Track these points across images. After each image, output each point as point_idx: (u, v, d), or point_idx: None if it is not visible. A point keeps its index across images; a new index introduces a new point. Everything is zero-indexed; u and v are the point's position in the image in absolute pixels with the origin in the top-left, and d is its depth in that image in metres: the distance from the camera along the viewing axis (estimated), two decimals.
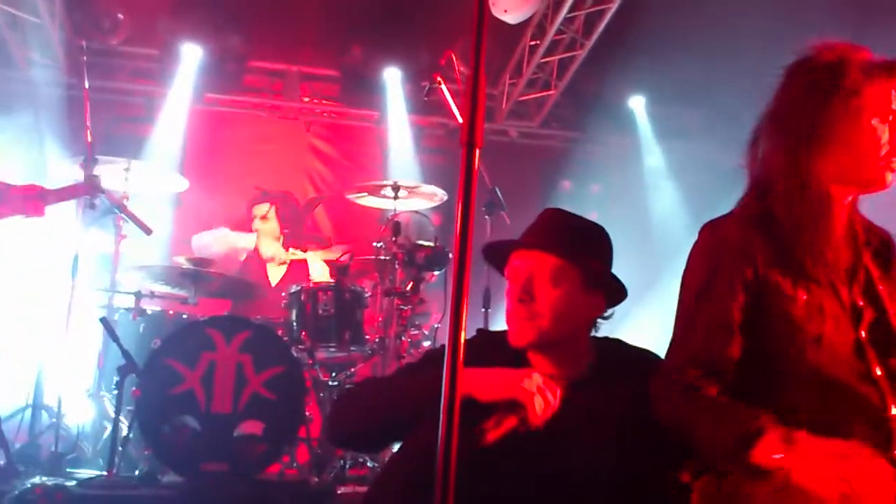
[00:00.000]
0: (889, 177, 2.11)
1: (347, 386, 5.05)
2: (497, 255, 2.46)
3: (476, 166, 1.50)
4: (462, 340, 1.48)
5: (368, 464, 4.63)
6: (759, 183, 2.18)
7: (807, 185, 2.08)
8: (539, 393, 2.14)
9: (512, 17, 6.91)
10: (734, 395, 2.05)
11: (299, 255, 6.11)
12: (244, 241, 6.15)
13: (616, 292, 2.40)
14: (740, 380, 2.08)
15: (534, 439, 2.28)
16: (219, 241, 6.01)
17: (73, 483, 3.94)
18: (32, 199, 3.61)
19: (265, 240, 6.20)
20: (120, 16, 7.12)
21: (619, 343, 2.51)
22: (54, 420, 4.52)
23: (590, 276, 2.35)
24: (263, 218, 6.17)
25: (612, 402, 2.32)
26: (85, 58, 4.82)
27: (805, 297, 2.05)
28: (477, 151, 1.50)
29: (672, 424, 2.08)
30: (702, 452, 2.04)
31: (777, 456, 1.84)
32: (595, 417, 2.32)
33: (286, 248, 6.19)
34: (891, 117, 2.09)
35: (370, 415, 2.36)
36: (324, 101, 8.31)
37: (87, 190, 3.84)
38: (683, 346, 2.14)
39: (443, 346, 2.52)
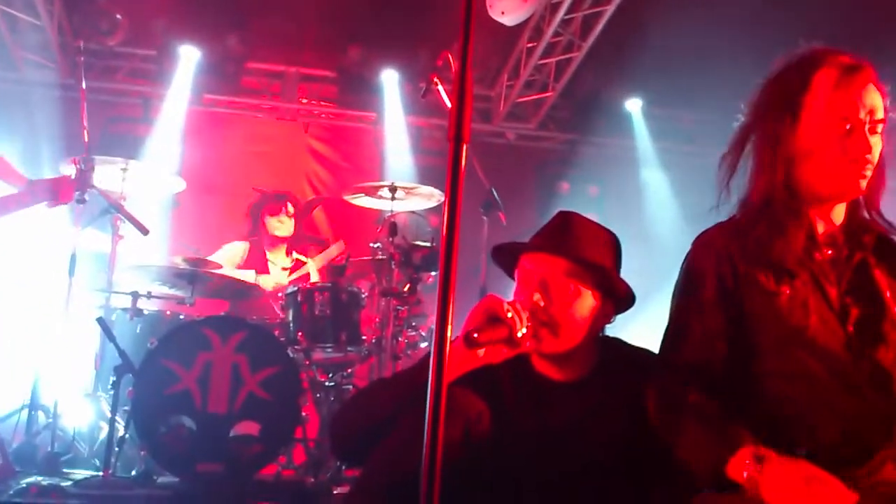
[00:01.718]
0: (863, 183, 2.09)
1: (345, 390, 5.04)
2: (506, 255, 2.44)
3: (463, 162, 1.50)
4: (449, 334, 1.48)
5: None
6: (748, 188, 2.20)
7: (775, 197, 2.11)
8: (511, 307, 2.18)
9: (509, 19, 6.92)
10: (722, 392, 2.08)
11: (300, 271, 6.11)
12: (244, 246, 6.16)
13: (626, 300, 2.41)
14: (727, 376, 2.12)
15: (538, 437, 2.30)
16: (228, 256, 6.00)
17: (69, 483, 3.94)
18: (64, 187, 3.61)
19: (273, 252, 6.19)
20: (118, 17, 7.13)
21: (619, 342, 2.51)
22: (51, 420, 4.52)
23: (605, 285, 2.35)
24: (290, 215, 6.16)
25: (613, 400, 2.33)
26: (82, 58, 4.83)
27: (788, 291, 2.07)
28: (465, 147, 1.50)
29: (659, 435, 2.12)
30: (683, 467, 2.05)
31: (746, 474, 1.87)
32: (598, 416, 2.34)
33: (288, 253, 6.18)
34: (866, 122, 2.06)
35: (367, 427, 2.30)
36: (322, 103, 8.32)
37: (75, 183, 3.82)
38: (672, 350, 2.20)
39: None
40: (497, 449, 2.21)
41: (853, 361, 2.04)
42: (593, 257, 2.33)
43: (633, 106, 8.49)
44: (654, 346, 2.37)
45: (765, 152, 2.14)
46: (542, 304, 2.28)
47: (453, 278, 1.45)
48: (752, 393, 2.10)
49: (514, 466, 2.28)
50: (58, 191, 3.64)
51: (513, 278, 2.45)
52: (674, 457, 2.07)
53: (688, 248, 2.28)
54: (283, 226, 6.15)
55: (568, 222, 2.41)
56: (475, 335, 2.11)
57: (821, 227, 2.16)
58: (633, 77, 7.79)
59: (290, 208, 6.18)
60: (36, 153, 5.56)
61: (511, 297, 2.36)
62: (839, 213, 2.17)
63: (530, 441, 2.31)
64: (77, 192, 3.76)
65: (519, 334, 2.17)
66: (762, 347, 2.09)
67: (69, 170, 4.09)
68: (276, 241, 6.16)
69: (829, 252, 2.13)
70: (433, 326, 4.40)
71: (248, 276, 5.78)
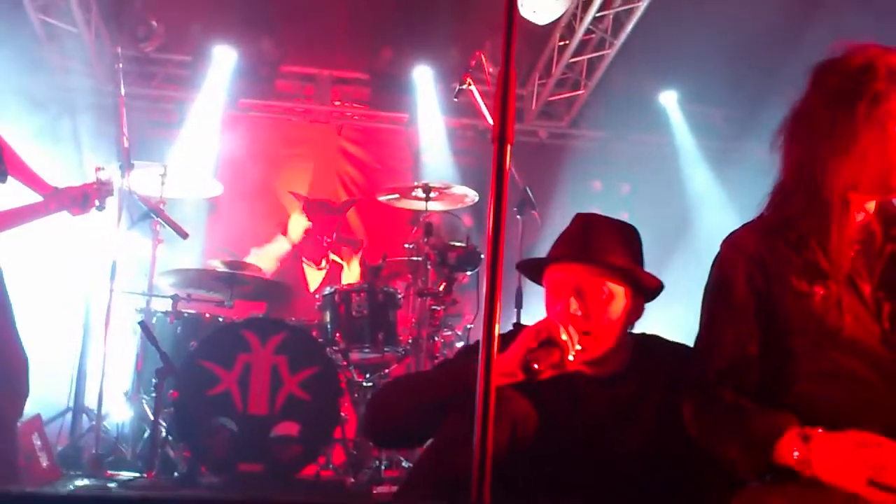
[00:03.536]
0: None
1: (382, 383, 5.07)
2: (532, 268, 2.46)
3: (508, 163, 1.50)
4: (496, 334, 1.50)
5: (404, 464, 4.66)
6: (781, 183, 2.18)
7: (822, 190, 2.07)
8: (562, 325, 2.21)
9: (541, 18, 6.92)
10: (757, 395, 2.08)
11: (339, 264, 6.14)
12: (279, 247, 6.19)
13: (655, 291, 2.43)
14: (761, 379, 2.11)
15: (574, 432, 2.31)
16: (265, 258, 6.05)
17: (114, 485, 4.00)
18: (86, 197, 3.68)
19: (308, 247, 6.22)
20: (154, 23, 7.21)
21: (656, 339, 2.52)
22: (94, 423, 4.59)
23: (634, 283, 2.37)
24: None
25: (647, 397, 2.35)
26: (120, 65, 4.90)
27: (822, 292, 2.05)
28: (509, 147, 1.51)
29: (698, 439, 2.12)
30: (727, 466, 2.05)
31: (796, 454, 1.87)
32: (633, 410, 2.36)
33: (326, 254, 6.22)
34: None
35: (407, 408, 2.38)
36: (354, 105, 8.36)
37: (97, 191, 3.88)
38: (705, 356, 2.19)
39: (478, 341, 2.56)
40: (537, 447, 2.23)
41: (890, 357, 2.02)
42: (620, 259, 2.35)
43: (668, 99, 8.41)
44: (690, 338, 2.38)
45: (812, 145, 2.10)
46: (579, 312, 2.30)
47: (500, 278, 1.47)
48: (787, 395, 2.08)
49: (552, 462, 2.30)
50: (80, 199, 3.70)
51: (541, 285, 2.47)
52: (715, 455, 2.07)
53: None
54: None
55: (588, 226, 2.43)
56: (535, 366, 2.16)
57: (855, 227, 2.13)
58: (667, 71, 7.75)
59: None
60: (77, 159, 5.64)
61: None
62: (870, 207, 2.15)
63: (567, 436, 2.33)
64: (97, 201, 3.81)
65: (571, 357, 2.21)
66: (797, 349, 2.08)
67: (103, 175, 4.15)
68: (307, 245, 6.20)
69: (857, 247, 2.11)
70: (469, 326, 4.43)
71: (281, 244, 5.83)
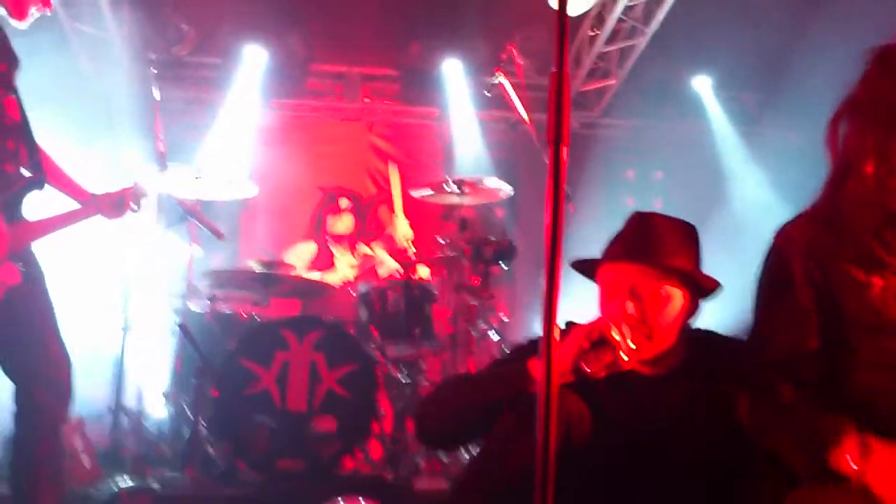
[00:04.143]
0: None
1: (419, 384, 5.07)
2: (587, 266, 2.44)
3: (565, 164, 1.49)
4: (556, 337, 1.49)
5: (443, 458, 4.66)
6: (837, 173, 2.12)
7: (889, 179, 2.02)
8: (615, 325, 2.21)
9: (571, 9, 6.87)
10: (815, 387, 2.05)
11: (366, 250, 6.14)
12: (313, 246, 6.22)
13: (712, 290, 2.40)
14: (819, 371, 2.08)
15: (631, 430, 2.30)
16: (297, 256, 6.08)
17: (157, 484, 4.04)
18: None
19: (338, 248, 6.25)
20: (184, 27, 7.26)
21: (710, 334, 2.49)
22: (134, 422, 4.64)
23: (692, 284, 2.35)
24: (346, 210, 6.22)
25: (704, 393, 2.32)
26: (153, 70, 4.94)
27: (881, 283, 2.01)
28: (565, 149, 1.50)
29: (754, 435, 2.10)
30: (784, 463, 2.04)
31: (852, 464, 1.86)
32: (689, 407, 2.34)
33: (353, 249, 6.23)
34: None
35: (458, 408, 2.39)
36: (385, 101, 8.37)
37: (132, 196, 3.93)
38: (760, 349, 2.16)
39: (530, 341, 2.55)
40: (591, 445, 2.22)
41: None
42: (679, 261, 2.33)
43: (702, 84, 8.31)
44: (732, 326, 2.35)
45: (875, 130, 2.04)
46: (635, 314, 2.28)
47: (558, 278, 1.46)
48: (845, 386, 2.05)
49: (609, 461, 2.28)
50: (117, 201, 3.74)
51: (595, 282, 2.45)
52: (773, 453, 2.05)
53: (767, 227, 2.23)
54: (341, 222, 6.21)
55: (647, 225, 2.39)
56: (587, 369, 2.16)
57: None
58: (699, 58, 7.68)
59: (345, 202, 6.23)
60: (114, 165, 5.69)
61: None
62: None
63: (624, 435, 2.31)
64: (133, 204, 3.86)
65: (625, 357, 2.20)
66: (855, 341, 2.04)
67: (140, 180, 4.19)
68: (338, 239, 6.21)
69: None
70: (504, 319, 4.41)
71: (314, 276, 5.86)
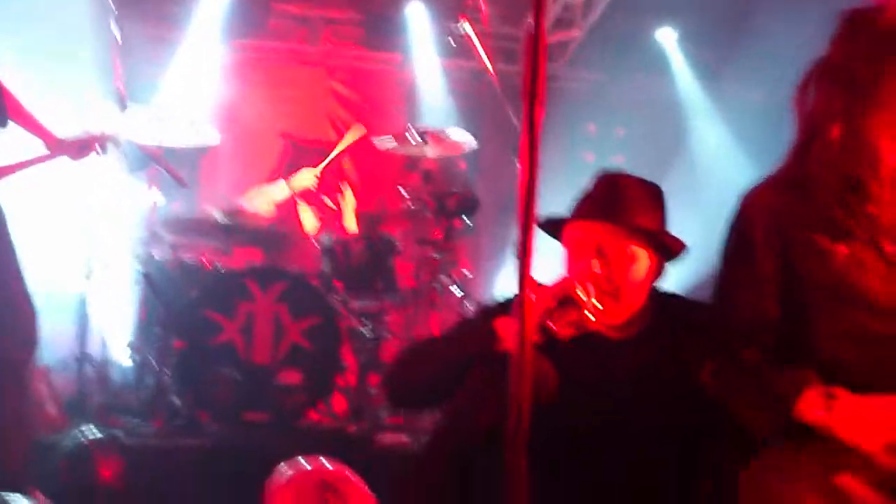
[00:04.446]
0: None
1: (382, 338, 5.10)
2: (553, 224, 2.44)
3: (539, 122, 1.47)
4: (531, 300, 1.50)
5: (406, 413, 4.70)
6: (803, 137, 2.12)
7: (855, 144, 2.02)
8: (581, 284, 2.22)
9: None
10: (776, 356, 2.08)
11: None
12: (278, 192, 6.15)
13: (677, 251, 2.42)
14: (781, 339, 2.11)
15: (596, 392, 2.34)
16: (261, 201, 6.01)
17: (122, 434, 4.03)
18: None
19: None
20: None
21: (674, 297, 2.53)
22: (100, 371, 4.61)
23: (658, 245, 2.37)
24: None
25: (669, 354, 2.35)
26: (113, 5, 4.79)
27: (845, 251, 2.03)
28: (541, 107, 1.47)
29: (718, 398, 2.13)
30: (747, 425, 2.08)
31: (818, 412, 1.88)
32: (654, 370, 2.37)
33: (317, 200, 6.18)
34: None
35: (426, 370, 2.41)
36: (347, 45, 8.24)
37: (96, 139, 3.86)
38: (723, 314, 2.19)
39: (497, 302, 2.58)
40: (556, 406, 2.24)
41: None
42: (646, 221, 2.34)
43: (666, 37, 8.22)
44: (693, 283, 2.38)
45: (846, 95, 2.03)
46: (600, 272, 2.30)
47: (530, 238, 1.45)
48: (808, 355, 2.07)
49: (576, 423, 2.32)
50: (81, 145, 3.69)
51: (560, 242, 2.46)
52: (735, 414, 2.08)
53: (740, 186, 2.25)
54: (304, 178, 6.14)
55: (615, 185, 2.40)
56: (551, 325, 2.18)
57: (885, 182, 2.07)
58: (665, 9, 7.64)
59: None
60: (77, 100, 5.52)
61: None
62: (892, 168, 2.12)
63: (590, 397, 2.34)
64: (98, 146, 3.79)
65: (591, 316, 2.21)
66: (817, 309, 2.07)
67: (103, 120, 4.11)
68: (302, 194, 6.16)
69: (890, 206, 2.06)
70: (466, 272, 4.42)
71: (281, 188, 5.83)
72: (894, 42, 2.01)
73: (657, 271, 2.41)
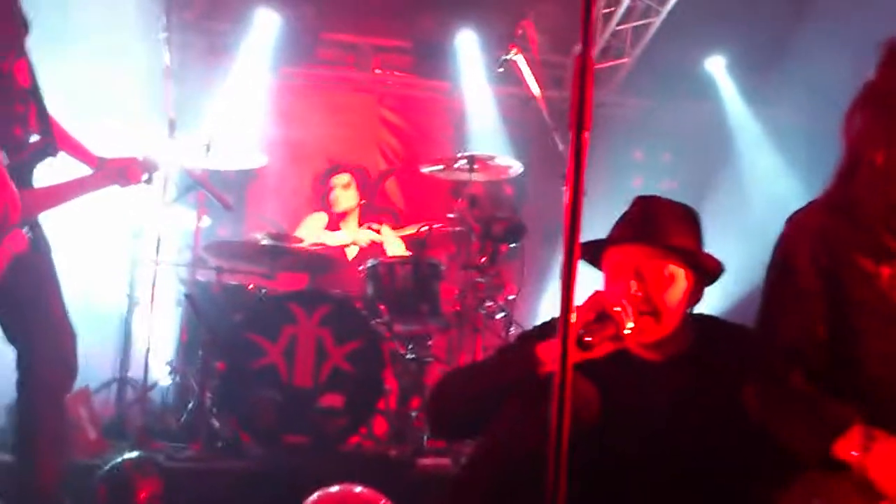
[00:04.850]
0: None
1: (426, 362, 5.06)
2: (592, 250, 2.44)
3: (586, 149, 1.47)
4: (573, 319, 1.49)
5: None
6: (849, 162, 2.13)
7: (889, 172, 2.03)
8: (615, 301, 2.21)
9: None
10: (821, 377, 2.06)
11: (374, 236, 6.07)
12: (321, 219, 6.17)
13: (716, 273, 2.41)
14: (827, 361, 2.09)
15: (637, 417, 2.30)
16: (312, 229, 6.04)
17: (162, 456, 4.02)
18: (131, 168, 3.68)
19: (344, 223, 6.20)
20: None
21: (715, 320, 2.51)
22: (140, 394, 4.62)
23: (696, 265, 2.37)
24: (345, 187, 6.16)
25: (711, 377, 2.33)
26: (164, 34, 4.87)
27: (889, 272, 2.02)
28: (587, 134, 1.48)
29: (761, 422, 2.11)
30: (789, 450, 2.05)
31: (855, 453, 1.87)
32: (696, 393, 2.34)
33: (361, 222, 6.17)
34: None
35: (468, 396, 2.38)
36: (396, 73, 8.29)
37: (144, 164, 3.88)
38: (768, 337, 2.17)
39: (535, 327, 2.56)
40: (598, 430, 2.20)
41: None
42: (681, 241, 2.36)
43: (715, 65, 8.24)
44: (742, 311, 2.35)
45: (886, 126, 2.05)
46: (639, 294, 2.29)
47: (576, 263, 1.45)
48: (854, 377, 2.06)
49: (615, 447, 2.29)
50: (127, 172, 3.70)
51: (599, 269, 2.46)
52: (778, 440, 2.06)
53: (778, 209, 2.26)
54: (339, 200, 6.13)
55: (649, 207, 2.43)
56: (587, 339, 2.15)
57: None
58: (714, 38, 7.61)
59: (341, 179, 6.15)
60: (124, 131, 5.60)
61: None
62: None
63: (630, 421, 2.31)
64: (144, 174, 3.81)
65: (626, 331, 2.20)
66: (864, 330, 2.05)
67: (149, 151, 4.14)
68: (342, 216, 6.16)
69: None
70: (511, 297, 4.40)
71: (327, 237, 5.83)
72: None
73: (695, 292, 2.40)
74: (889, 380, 2.02)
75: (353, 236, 6.01)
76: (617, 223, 2.46)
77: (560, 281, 1.46)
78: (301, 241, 5.37)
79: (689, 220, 2.44)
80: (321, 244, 5.82)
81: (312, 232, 5.97)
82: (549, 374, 2.05)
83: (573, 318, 1.47)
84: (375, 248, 5.99)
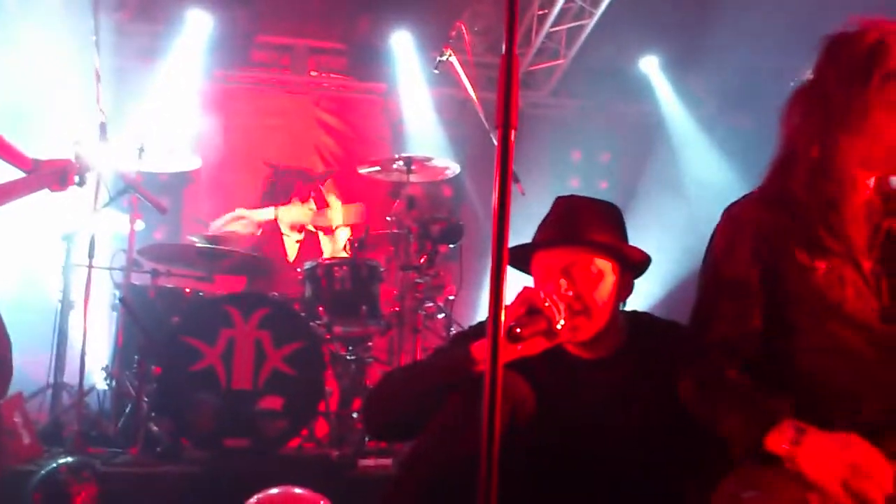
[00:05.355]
0: None
1: (366, 363, 5.05)
2: (520, 256, 2.46)
3: (512, 148, 1.48)
4: (502, 318, 1.47)
5: None
6: (785, 156, 2.16)
7: (830, 166, 2.06)
8: (547, 297, 2.21)
9: None
10: (756, 368, 2.08)
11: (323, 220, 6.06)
12: (262, 215, 6.12)
13: (643, 265, 2.45)
14: (762, 353, 2.11)
15: (573, 415, 2.31)
16: (238, 223, 5.98)
17: (98, 461, 3.96)
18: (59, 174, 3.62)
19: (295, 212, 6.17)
20: None
21: (647, 316, 2.54)
22: (75, 399, 4.54)
23: (621, 258, 2.39)
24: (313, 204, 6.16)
25: (645, 375, 2.35)
26: (94, 37, 4.78)
27: (824, 266, 2.05)
28: (513, 133, 1.49)
29: (696, 414, 2.12)
30: (724, 442, 2.06)
31: (786, 446, 1.88)
32: (631, 391, 2.36)
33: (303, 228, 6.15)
34: None
35: (404, 399, 2.38)
36: (332, 75, 8.27)
37: (76, 167, 3.81)
38: (704, 328, 2.18)
39: (470, 327, 2.57)
40: (533, 429, 2.23)
41: (889, 332, 2.02)
42: (605, 237, 2.38)
43: (649, 65, 8.38)
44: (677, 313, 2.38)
45: (823, 120, 2.08)
46: (570, 292, 2.31)
47: (504, 262, 1.45)
48: (788, 370, 2.09)
49: (552, 446, 2.30)
50: (62, 175, 3.64)
51: (529, 274, 2.48)
52: (713, 433, 2.07)
53: (717, 207, 2.26)
54: (292, 212, 6.12)
55: (571, 207, 2.45)
56: (518, 330, 2.15)
57: (859, 203, 2.11)
58: (648, 39, 7.73)
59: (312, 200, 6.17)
60: (55, 133, 5.50)
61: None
62: (870, 183, 2.13)
63: (565, 420, 2.33)
64: (77, 177, 3.75)
65: (558, 326, 2.21)
66: (798, 323, 2.08)
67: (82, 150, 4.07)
68: (291, 227, 6.14)
69: (865, 224, 2.09)
70: (451, 297, 4.41)
71: (267, 213, 5.79)
72: (868, 66, 2.04)
73: (625, 285, 2.42)
74: (821, 374, 2.04)
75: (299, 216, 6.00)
76: (540, 226, 2.48)
77: (490, 276, 1.45)
78: (237, 237, 5.34)
79: (610, 215, 2.46)
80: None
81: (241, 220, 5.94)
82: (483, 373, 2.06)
83: (503, 317, 1.47)
84: (314, 243, 5.98)
